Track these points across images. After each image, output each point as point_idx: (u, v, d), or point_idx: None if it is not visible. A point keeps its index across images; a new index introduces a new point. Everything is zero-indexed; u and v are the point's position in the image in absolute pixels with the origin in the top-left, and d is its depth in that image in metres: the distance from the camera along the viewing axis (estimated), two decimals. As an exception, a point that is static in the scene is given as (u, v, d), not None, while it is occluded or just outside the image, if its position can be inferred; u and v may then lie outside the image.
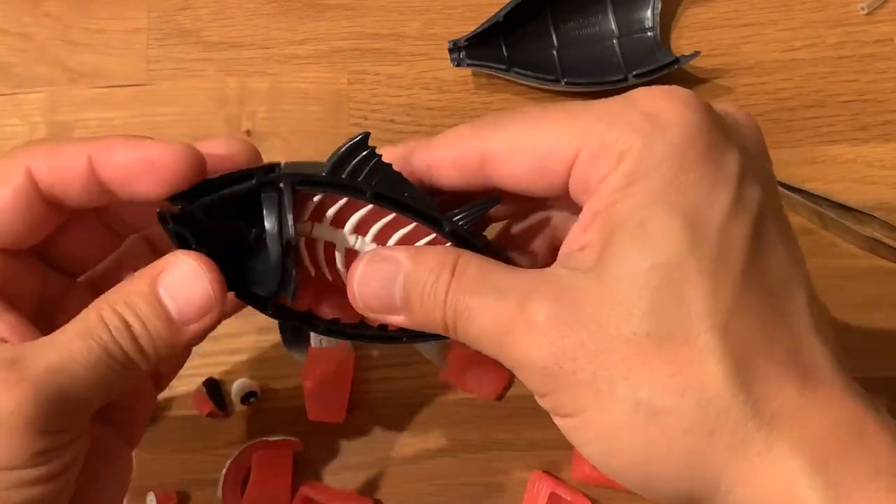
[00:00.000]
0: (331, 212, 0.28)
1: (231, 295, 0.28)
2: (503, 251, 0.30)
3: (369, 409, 0.42)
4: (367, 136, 0.28)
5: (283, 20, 0.51)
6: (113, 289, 0.28)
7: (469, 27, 0.49)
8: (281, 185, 0.27)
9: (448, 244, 0.29)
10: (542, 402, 0.26)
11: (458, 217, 0.28)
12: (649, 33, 0.50)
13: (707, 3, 0.51)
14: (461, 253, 0.27)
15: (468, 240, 0.28)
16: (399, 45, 0.51)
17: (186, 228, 0.27)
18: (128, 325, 0.27)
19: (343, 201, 0.28)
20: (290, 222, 0.27)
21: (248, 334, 0.43)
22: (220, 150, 0.29)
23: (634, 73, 0.48)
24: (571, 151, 0.25)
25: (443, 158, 0.27)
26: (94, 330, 0.27)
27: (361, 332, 0.30)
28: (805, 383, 0.23)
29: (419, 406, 0.42)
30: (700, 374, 0.23)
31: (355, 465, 0.41)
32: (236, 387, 0.42)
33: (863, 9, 0.51)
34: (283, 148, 0.48)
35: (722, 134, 0.25)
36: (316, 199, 0.28)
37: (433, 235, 0.29)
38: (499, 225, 0.32)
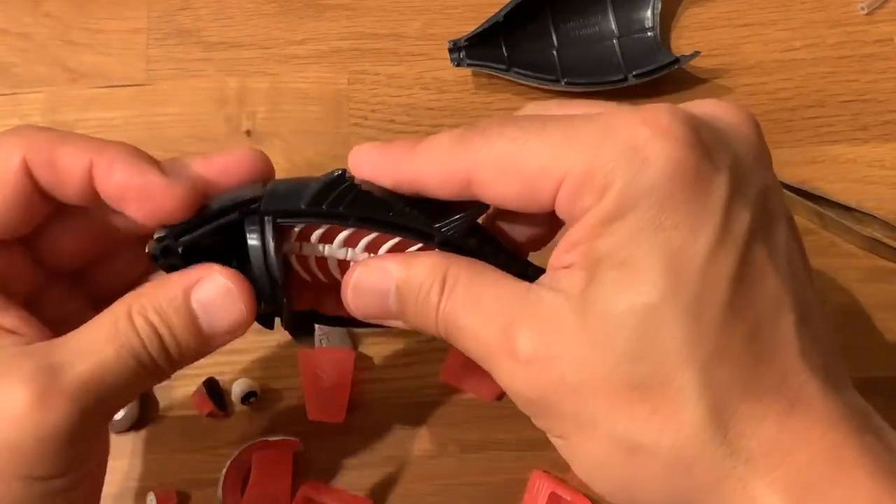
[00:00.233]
0: (316, 234, 0.28)
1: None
2: (496, 246, 0.29)
3: (369, 409, 0.42)
4: (344, 171, 0.28)
5: (283, 20, 0.51)
6: (142, 292, 0.28)
7: (469, 27, 0.49)
8: (265, 219, 0.28)
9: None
10: (535, 423, 0.27)
11: (446, 227, 0.28)
12: (649, 33, 0.50)
13: (707, 3, 0.51)
14: (451, 263, 0.27)
15: (460, 247, 0.28)
16: (399, 45, 0.51)
17: (177, 259, 0.28)
18: (159, 336, 0.27)
19: (326, 227, 0.28)
20: (274, 263, 0.28)
21: (248, 334, 0.43)
22: (235, 162, 0.29)
23: (634, 73, 0.48)
24: (555, 179, 0.25)
25: (428, 174, 0.27)
26: (125, 337, 0.27)
27: (364, 322, 0.30)
28: (789, 414, 0.23)
29: (419, 406, 0.42)
30: (676, 416, 0.23)
31: (355, 465, 0.41)
32: (236, 387, 0.42)
33: (863, 9, 0.51)
34: (283, 148, 0.48)
35: (708, 159, 0.24)
36: (298, 228, 0.28)
37: None
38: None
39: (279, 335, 0.42)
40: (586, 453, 0.25)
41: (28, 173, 0.28)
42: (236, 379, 0.42)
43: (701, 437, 0.23)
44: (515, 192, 0.26)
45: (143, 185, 0.27)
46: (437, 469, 0.41)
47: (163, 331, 0.27)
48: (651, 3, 0.50)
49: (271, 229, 0.27)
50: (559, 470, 0.41)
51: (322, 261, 0.29)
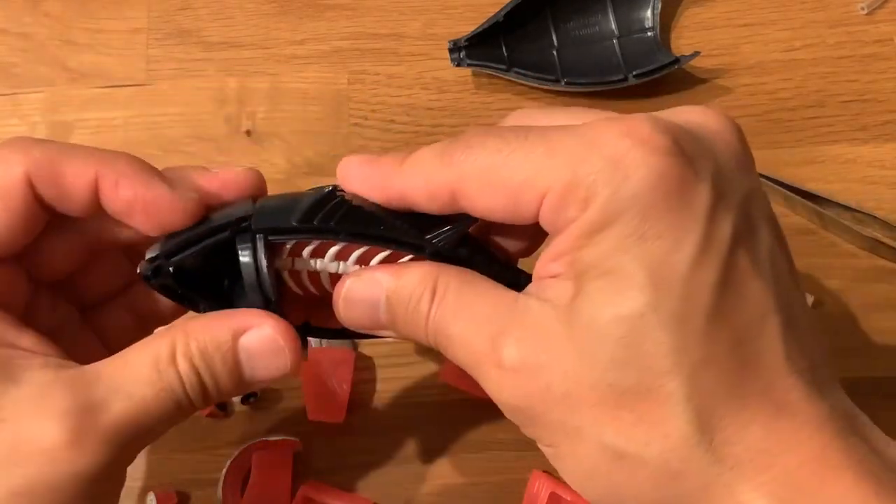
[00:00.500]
0: (308, 249, 0.28)
1: None
2: (488, 255, 0.29)
3: (369, 409, 0.42)
4: (335, 188, 0.28)
5: (283, 20, 0.51)
6: (188, 330, 0.27)
7: (469, 27, 0.49)
8: (256, 237, 0.28)
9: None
10: (523, 431, 0.27)
11: (437, 239, 0.28)
12: (649, 33, 0.50)
13: (707, 3, 0.51)
14: (441, 272, 0.27)
15: (450, 257, 0.28)
16: (399, 45, 0.51)
17: (169, 279, 0.28)
18: (200, 379, 0.27)
19: (318, 242, 0.28)
20: (267, 281, 0.28)
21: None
22: (234, 179, 0.29)
23: (634, 73, 0.48)
24: (538, 192, 0.25)
25: (414, 189, 0.27)
26: (167, 381, 0.27)
27: (359, 333, 0.30)
28: (775, 420, 0.23)
29: (419, 406, 0.42)
30: (662, 424, 0.23)
31: (355, 465, 0.41)
32: (236, 387, 0.42)
33: (863, 9, 0.51)
34: (283, 148, 0.48)
35: (689, 168, 0.24)
36: (290, 245, 0.28)
37: None
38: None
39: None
40: (575, 462, 0.25)
41: (31, 189, 0.28)
42: (236, 379, 0.42)
43: (688, 444, 0.23)
44: (500, 204, 0.26)
45: (151, 199, 0.28)
46: (437, 469, 0.41)
47: (205, 374, 0.27)
48: (651, 3, 0.50)
49: (263, 247, 0.27)
50: (559, 472, 0.41)
51: (314, 275, 0.29)
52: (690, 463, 0.23)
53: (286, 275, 0.29)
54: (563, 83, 0.48)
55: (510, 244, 0.30)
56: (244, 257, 0.28)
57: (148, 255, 0.28)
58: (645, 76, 0.47)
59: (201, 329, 0.28)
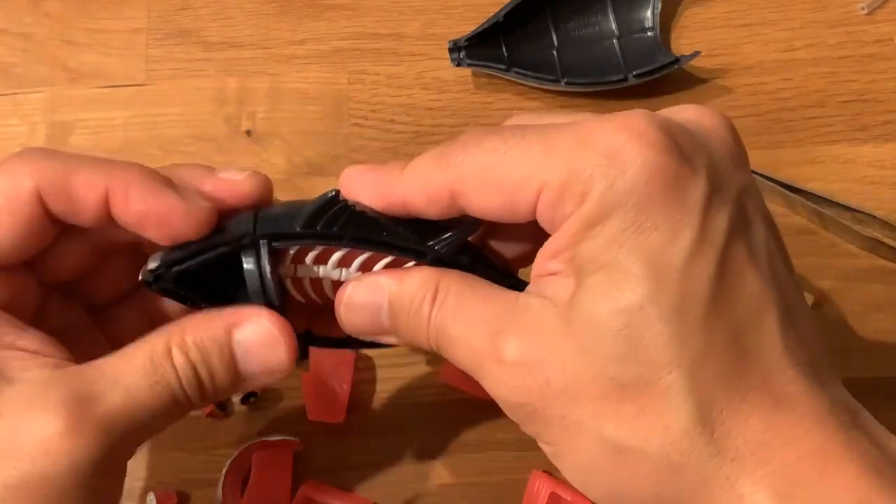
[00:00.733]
0: (311, 255, 0.28)
1: None
2: (487, 263, 0.29)
3: (369, 409, 0.42)
4: (338, 192, 0.28)
5: (283, 20, 0.51)
6: (184, 326, 0.28)
7: (469, 27, 0.49)
8: (260, 243, 0.28)
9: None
10: (524, 429, 0.27)
11: (439, 245, 0.28)
12: (649, 33, 0.50)
13: (707, 3, 0.51)
14: (442, 276, 0.27)
15: (452, 263, 0.28)
16: (399, 45, 0.51)
17: (170, 283, 0.28)
18: (196, 373, 0.27)
19: (321, 248, 0.28)
20: (271, 286, 0.28)
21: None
22: (240, 185, 0.29)
23: (634, 73, 0.48)
24: (534, 189, 0.25)
25: (414, 195, 0.27)
26: (162, 374, 0.27)
27: (359, 341, 0.30)
28: (775, 412, 0.23)
29: (419, 406, 0.42)
30: (663, 417, 0.23)
31: (355, 465, 0.41)
32: (236, 387, 0.42)
33: (863, 9, 0.51)
34: (283, 148, 0.48)
35: (685, 165, 0.24)
36: (293, 250, 0.28)
37: None
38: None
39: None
40: (575, 458, 0.25)
41: (41, 202, 0.28)
42: (236, 379, 0.42)
43: (688, 437, 0.23)
44: (497, 203, 0.26)
45: (164, 211, 0.27)
46: (436, 469, 0.41)
47: (200, 368, 0.27)
48: (651, 3, 0.50)
49: (266, 253, 0.28)
50: (559, 470, 0.41)
51: (317, 282, 0.29)
52: (691, 455, 0.23)
53: (289, 282, 0.29)
54: (563, 83, 0.48)
55: (510, 249, 0.30)
56: (248, 264, 0.28)
57: (150, 263, 0.28)
58: (645, 76, 0.47)
59: (197, 324, 0.28)
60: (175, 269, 0.28)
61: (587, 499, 0.40)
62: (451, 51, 0.48)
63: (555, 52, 0.50)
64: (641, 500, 0.25)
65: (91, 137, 0.48)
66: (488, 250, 0.30)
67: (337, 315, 0.29)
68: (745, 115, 0.48)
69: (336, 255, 0.28)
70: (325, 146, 0.48)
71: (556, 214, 0.25)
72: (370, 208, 0.28)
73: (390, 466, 0.41)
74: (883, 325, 0.44)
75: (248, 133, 0.49)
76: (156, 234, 0.28)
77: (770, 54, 0.50)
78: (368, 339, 0.29)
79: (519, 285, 0.28)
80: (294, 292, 0.30)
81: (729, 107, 0.49)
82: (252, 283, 0.28)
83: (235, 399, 0.42)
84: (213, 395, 0.28)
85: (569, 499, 0.40)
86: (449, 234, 0.28)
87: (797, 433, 0.23)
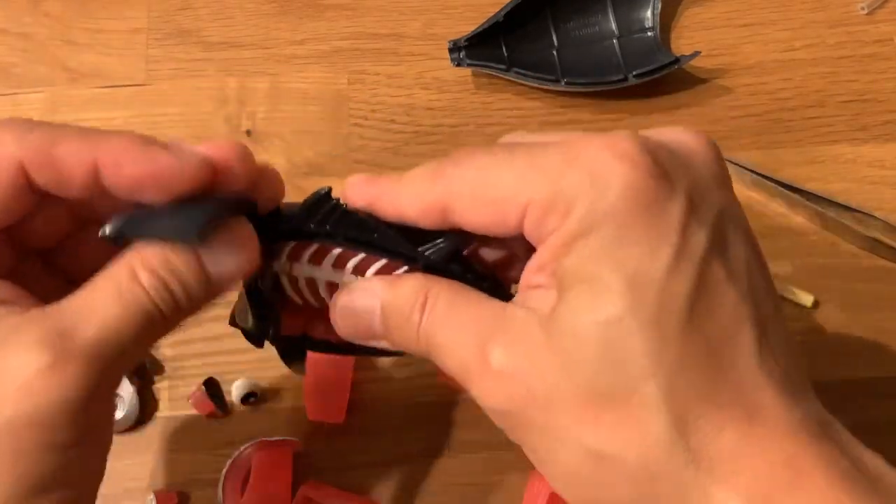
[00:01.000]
0: (307, 253, 0.29)
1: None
2: (478, 274, 0.30)
3: (369, 409, 0.42)
4: (329, 189, 0.28)
5: (283, 20, 0.51)
6: (140, 248, 0.27)
7: (469, 27, 0.49)
8: None
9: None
10: (509, 436, 0.27)
11: (430, 251, 0.28)
12: (649, 33, 0.50)
13: (707, 3, 0.51)
14: (433, 284, 0.28)
15: (443, 270, 0.29)
16: (399, 45, 0.51)
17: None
18: (166, 285, 0.27)
19: (317, 245, 0.29)
20: (266, 275, 0.28)
21: (248, 334, 0.43)
22: (216, 154, 0.28)
23: (634, 73, 0.48)
24: (521, 205, 0.26)
25: (408, 207, 0.28)
26: (130, 294, 0.26)
27: (353, 347, 0.30)
28: (748, 424, 0.24)
29: (419, 406, 0.42)
30: (640, 427, 0.24)
31: (355, 465, 0.41)
32: (236, 387, 0.42)
33: (863, 9, 0.51)
34: (283, 148, 0.48)
35: (666, 183, 0.25)
36: (289, 247, 0.29)
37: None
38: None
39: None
40: (558, 466, 0.26)
41: (24, 174, 0.27)
42: (236, 379, 0.42)
43: (664, 446, 0.24)
44: (486, 218, 0.27)
45: (159, 171, 0.27)
46: (437, 469, 0.41)
47: (170, 280, 0.27)
48: (651, 3, 0.50)
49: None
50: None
51: (311, 283, 0.30)
52: (667, 464, 0.24)
53: (284, 280, 0.29)
54: (563, 83, 0.48)
55: (498, 256, 0.30)
56: None
57: (113, 220, 0.27)
58: (645, 76, 0.48)
59: (154, 243, 0.27)
60: (138, 234, 0.27)
61: None
62: (451, 51, 0.48)
63: (555, 52, 0.50)
64: None
65: (91, 137, 0.48)
66: (476, 259, 0.30)
67: (332, 319, 0.29)
68: (745, 115, 0.48)
69: (331, 256, 0.29)
70: (325, 146, 0.48)
71: (542, 230, 0.26)
72: (363, 211, 0.29)
73: (390, 466, 0.41)
74: (883, 325, 0.44)
75: (248, 133, 0.49)
76: (155, 194, 0.27)
77: (770, 54, 0.50)
78: (362, 343, 0.30)
79: (506, 297, 0.29)
80: (290, 291, 0.30)
81: (729, 107, 0.49)
82: (246, 282, 0.28)
83: (235, 399, 0.42)
84: (188, 306, 0.27)
85: (569, 499, 0.40)
86: (440, 241, 0.28)
87: (769, 444, 0.24)
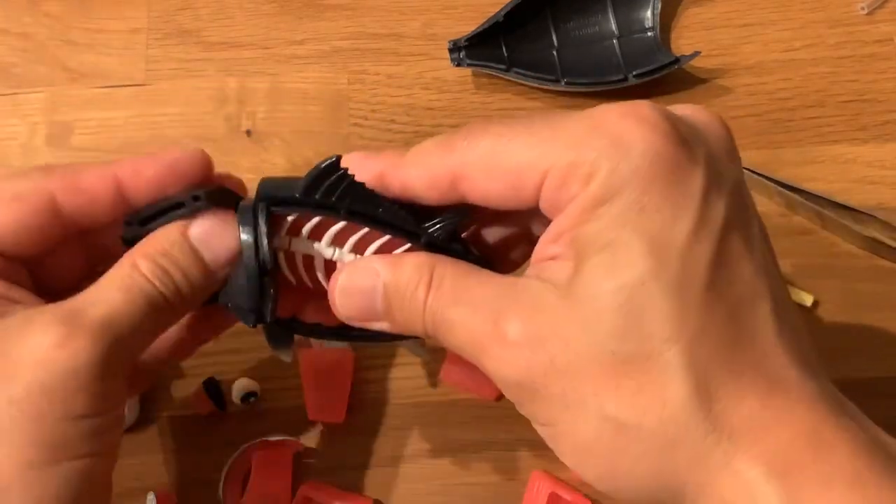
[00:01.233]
0: (307, 227, 0.29)
1: None
2: (477, 256, 0.29)
3: (369, 409, 0.42)
4: (338, 158, 0.28)
5: (283, 20, 0.51)
6: (140, 244, 0.29)
7: (469, 27, 0.49)
8: (258, 206, 0.28)
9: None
10: (521, 411, 0.27)
11: (432, 229, 0.28)
12: (649, 33, 0.50)
13: (707, 3, 0.52)
14: (437, 261, 0.27)
15: (445, 249, 0.28)
16: (399, 45, 0.51)
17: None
18: (168, 273, 0.29)
19: (318, 219, 0.29)
20: (266, 245, 0.28)
21: (248, 334, 0.43)
22: (175, 162, 0.31)
23: (634, 73, 0.48)
24: (540, 172, 0.26)
25: (416, 178, 0.28)
26: (132, 280, 0.28)
27: (344, 332, 0.30)
28: (769, 394, 0.24)
29: (419, 406, 0.42)
30: (661, 393, 0.24)
31: (355, 465, 0.41)
32: (236, 387, 0.42)
33: (863, 9, 0.51)
34: (283, 148, 0.48)
35: (687, 151, 0.25)
36: (291, 217, 0.29)
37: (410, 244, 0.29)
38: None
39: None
40: (574, 437, 0.26)
41: (53, 203, 0.29)
42: (236, 379, 0.42)
43: (685, 413, 0.24)
44: (501, 188, 0.26)
45: (174, 161, 0.30)
46: (437, 469, 0.41)
47: (170, 268, 0.29)
48: (651, 3, 0.50)
49: (265, 215, 0.28)
50: (559, 470, 0.41)
51: (308, 260, 0.29)
52: (688, 431, 0.24)
53: (282, 256, 0.29)
54: (563, 83, 0.48)
55: (496, 237, 0.30)
56: (245, 233, 0.29)
57: (125, 220, 0.30)
58: (645, 76, 0.48)
59: (151, 238, 0.29)
60: (149, 226, 0.30)
61: (587, 499, 0.40)
62: (451, 51, 0.48)
63: (555, 52, 0.50)
64: (639, 479, 0.25)
65: (91, 137, 0.48)
66: (476, 240, 0.30)
67: (330, 300, 0.29)
68: (745, 115, 0.48)
69: (331, 232, 0.29)
70: (325, 146, 0.48)
71: (561, 197, 0.26)
72: (367, 185, 0.28)
73: (390, 466, 0.41)
74: (883, 325, 0.44)
75: (248, 133, 0.49)
76: (178, 182, 0.30)
77: (770, 54, 0.50)
78: (360, 325, 0.29)
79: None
80: (285, 270, 0.30)
81: (729, 107, 0.49)
82: (247, 250, 0.29)
83: (235, 399, 0.42)
84: (191, 293, 0.29)
85: (569, 499, 0.40)
86: (440, 219, 0.28)
87: (791, 414, 0.24)
